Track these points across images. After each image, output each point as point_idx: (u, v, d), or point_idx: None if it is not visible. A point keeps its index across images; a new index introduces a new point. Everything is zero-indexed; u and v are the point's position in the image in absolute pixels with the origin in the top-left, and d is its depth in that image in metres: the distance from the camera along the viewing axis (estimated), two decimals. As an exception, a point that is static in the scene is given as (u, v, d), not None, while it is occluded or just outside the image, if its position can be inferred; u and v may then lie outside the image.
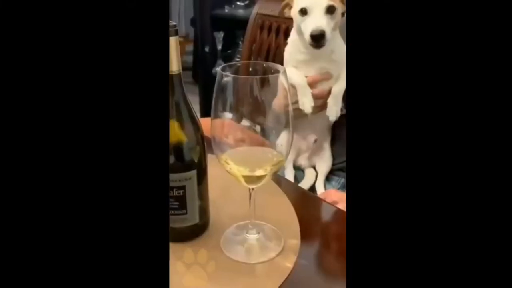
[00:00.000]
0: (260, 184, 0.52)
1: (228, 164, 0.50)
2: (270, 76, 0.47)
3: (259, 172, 0.50)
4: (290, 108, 0.49)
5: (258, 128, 0.49)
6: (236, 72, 0.49)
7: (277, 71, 0.48)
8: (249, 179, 0.51)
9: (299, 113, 0.83)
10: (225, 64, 0.49)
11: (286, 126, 0.49)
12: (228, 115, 0.48)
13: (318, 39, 0.76)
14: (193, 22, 2.71)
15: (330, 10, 0.77)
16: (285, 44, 0.90)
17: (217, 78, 0.48)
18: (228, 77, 0.47)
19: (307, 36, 0.78)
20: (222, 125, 0.49)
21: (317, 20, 0.77)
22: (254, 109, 0.48)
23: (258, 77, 0.47)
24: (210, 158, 0.54)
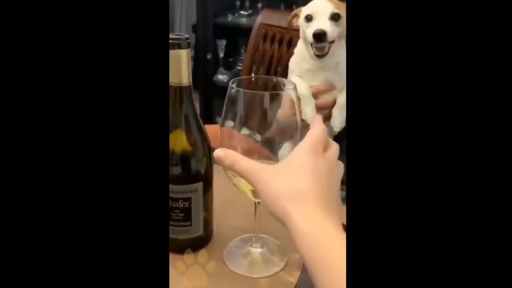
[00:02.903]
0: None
1: (235, 177, 0.50)
2: (281, 92, 0.48)
3: (266, 186, 0.50)
4: (299, 120, 0.49)
5: (258, 137, 0.49)
6: (244, 85, 0.49)
7: (287, 86, 0.48)
8: (256, 193, 0.51)
9: (301, 123, 0.84)
10: (236, 78, 0.49)
11: (291, 137, 0.49)
12: (230, 123, 0.48)
13: (320, 37, 0.78)
14: (194, 28, 2.71)
15: (334, 17, 0.79)
16: (289, 54, 0.91)
17: (228, 91, 0.48)
18: (238, 91, 0.47)
19: (310, 38, 0.79)
20: (231, 138, 0.49)
21: (321, 24, 0.78)
22: (262, 122, 0.48)
23: (268, 92, 0.47)
24: (215, 169, 0.54)
